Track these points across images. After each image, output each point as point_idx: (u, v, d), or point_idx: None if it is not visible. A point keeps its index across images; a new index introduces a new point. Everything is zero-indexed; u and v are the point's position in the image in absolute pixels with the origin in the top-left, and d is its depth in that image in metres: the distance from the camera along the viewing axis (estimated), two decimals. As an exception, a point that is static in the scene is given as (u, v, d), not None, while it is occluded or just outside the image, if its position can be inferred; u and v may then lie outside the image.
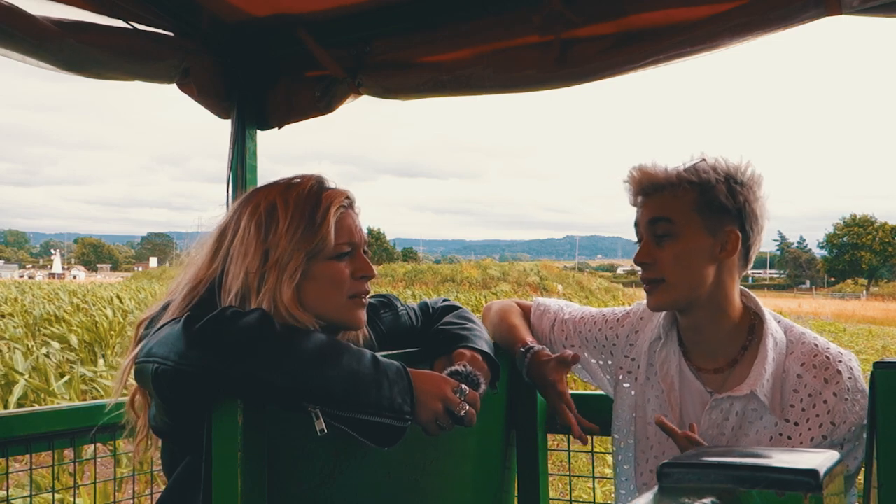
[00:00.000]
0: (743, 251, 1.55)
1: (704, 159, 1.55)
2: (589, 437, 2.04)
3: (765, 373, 1.52)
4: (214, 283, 1.37)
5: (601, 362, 1.79)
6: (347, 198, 1.43)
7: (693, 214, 1.52)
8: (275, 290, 1.32)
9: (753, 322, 1.59)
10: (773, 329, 1.57)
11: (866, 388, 1.49)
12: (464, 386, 1.34)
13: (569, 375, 1.75)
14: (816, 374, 1.51)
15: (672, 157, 1.74)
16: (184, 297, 1.37)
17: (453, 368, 1.43)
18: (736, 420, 1.55)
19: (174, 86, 2.24)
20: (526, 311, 1.90)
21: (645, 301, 1.67)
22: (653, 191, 1.56)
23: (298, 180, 1.43)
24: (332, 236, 1.37)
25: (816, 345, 1.55)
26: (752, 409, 1.54)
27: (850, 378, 1.50)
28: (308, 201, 1.38)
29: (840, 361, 1.52)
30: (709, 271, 1.53)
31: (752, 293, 1.62)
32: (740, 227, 1.53)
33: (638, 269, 1.60)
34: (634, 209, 1.61)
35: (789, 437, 1.51)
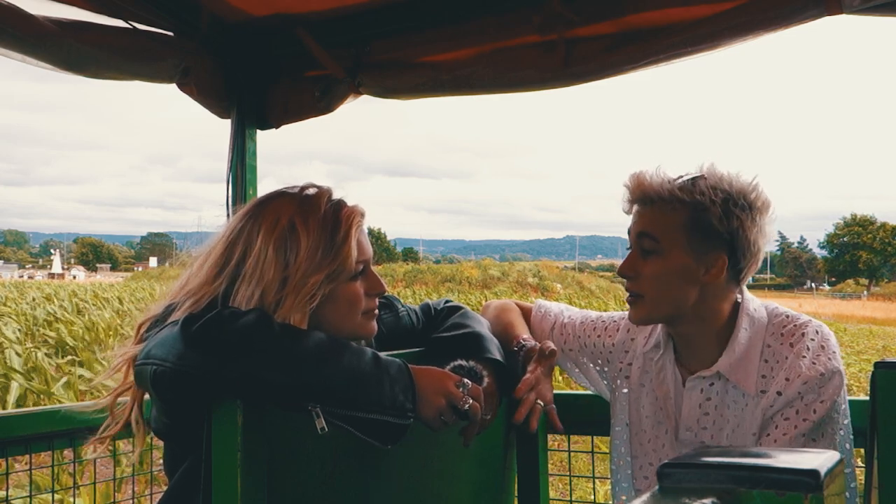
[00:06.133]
0: (732, 273, 1.51)
1: (705, 176, 1.49)
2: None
3: (734, 352, 1.52)
4: (217, 300, 1.33)
5: (598, 368, 1.80)
6: (362, 215, 1.41)
7: (679, 235, 1.48)
8: (291, 312, 1.29)
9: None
10: (752, 308, 1.55)
11: (838, 362, 1.45)
12: (466, 380, 1.34)
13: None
14: (783, 340, 1.50)
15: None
16: (183, 312, 1.31)
17: (456, 363, 1.43)
18: (718, 399, 1.55)
19: (169, 85, 2.24)
20: (526, 312, 1.89)
21: None
22: (644, 202, 1.53)
23: (311, 193, 1.39)
24: (353, 259, 1.36)
25: (787, 315, 1.54)
26: (732, 387, 1.54)
27: (812, 340, 1.48)
28: (327, 222, 1.35)
29: (807, 326, 1.50)
30: (690, 292, 1.51)
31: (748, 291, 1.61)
32: (730, 252, 1.48)
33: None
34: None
35: (763, 409, 1.49)
